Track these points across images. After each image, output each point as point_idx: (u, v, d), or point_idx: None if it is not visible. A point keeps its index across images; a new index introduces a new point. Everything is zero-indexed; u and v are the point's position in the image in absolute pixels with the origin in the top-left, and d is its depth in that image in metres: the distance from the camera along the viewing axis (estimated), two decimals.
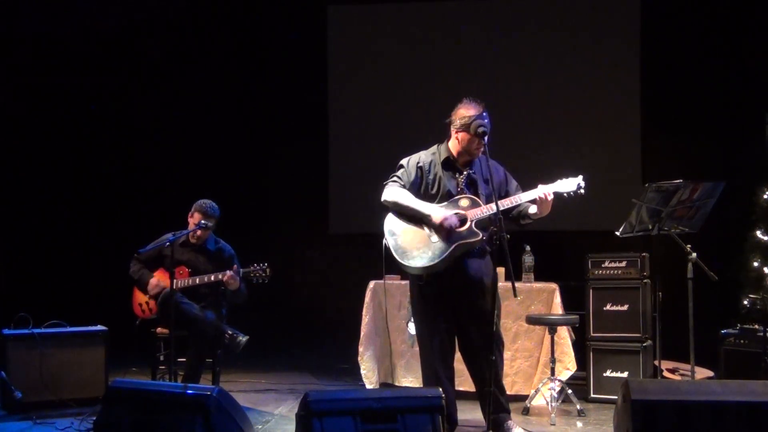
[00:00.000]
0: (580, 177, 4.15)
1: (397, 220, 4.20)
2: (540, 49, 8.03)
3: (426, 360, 4.30)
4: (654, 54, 7.79)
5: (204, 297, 5.18)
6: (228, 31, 8.53)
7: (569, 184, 4.14)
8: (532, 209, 4.20)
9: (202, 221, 5.10)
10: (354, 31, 8.48)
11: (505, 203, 4.14)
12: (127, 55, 8.32)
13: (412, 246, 4.13)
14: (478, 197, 4.16)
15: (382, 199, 4.24)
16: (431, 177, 4.25)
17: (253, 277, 5.09)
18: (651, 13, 7.81)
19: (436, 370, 4.23)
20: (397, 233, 4.18)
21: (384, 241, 4.18)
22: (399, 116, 8.15)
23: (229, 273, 5.03)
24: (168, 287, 5.01)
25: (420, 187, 4.25)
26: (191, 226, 5.16)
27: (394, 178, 4.28)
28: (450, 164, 4.27)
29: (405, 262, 4.11)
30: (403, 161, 4.33)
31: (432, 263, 4.08)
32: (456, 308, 4.23)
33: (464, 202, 4.14)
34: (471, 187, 4.23)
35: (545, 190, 4.10)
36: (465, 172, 4.25)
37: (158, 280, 5.20)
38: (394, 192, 4.21)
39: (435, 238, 4.10)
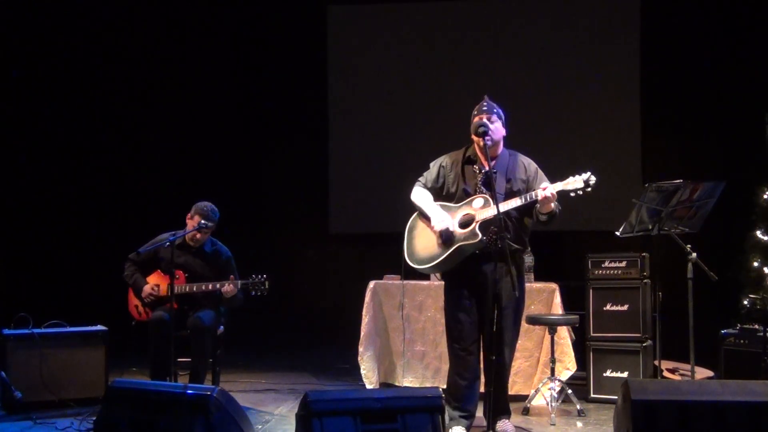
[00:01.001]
0: (588, 173, 4.03)
1: (419, 221, 4.36)
2: (540, 49, 8.03)
3: (451, 360, 4.35)
4: (654, 54, 7.80)
5: (200, 299, 5.16)
6: (228, 31, 8.53)
7: (574, 183, 4.05)
8: (539, 207, 4.13)
9: (203, 221, 5.06)
10: (354, 31, 8.48)
11: (511, 203, 4.12)
12: (126, 55, 8.32)
13: (421, 247, 4.27)
14: (495, 196, 4.10)
15: (411, 198, 4.43)
16: (452, 176, 4.32)
17: (252, 289, 5.04)
18: (651, 13, 7.81)
19: (459, 368, 4.28)
20: (414, 234, 4.35)
21: (403, 242, 4.33)
22: (399, 116, 8.16)
23: (227, 285, 4.99)
24: (163, 298, 5.01)
25: (442, 186, 4.36)
26: (189, 228, 5.12)
27: (420, 178, 4.44)
28: (471, 163, 4.30)
29: (409, 261, 4.28)
30: (431, 163, 4.47)
31: (430, 265, 4.22)
32: (479, 308, 4.25)
33: (478, 202, 4.15)
34: (488, 185, 4.18)
35: (543, 193, 4.03)
36: (483, 171, 4.23)
37: (152, 286, 5.14)
38: (415, 193, 4.41)
39: (441, 240, 4.18)
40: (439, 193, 4.36)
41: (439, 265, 4.22)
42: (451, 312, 4.31)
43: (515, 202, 4.13)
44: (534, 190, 4.21)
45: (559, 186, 4.07)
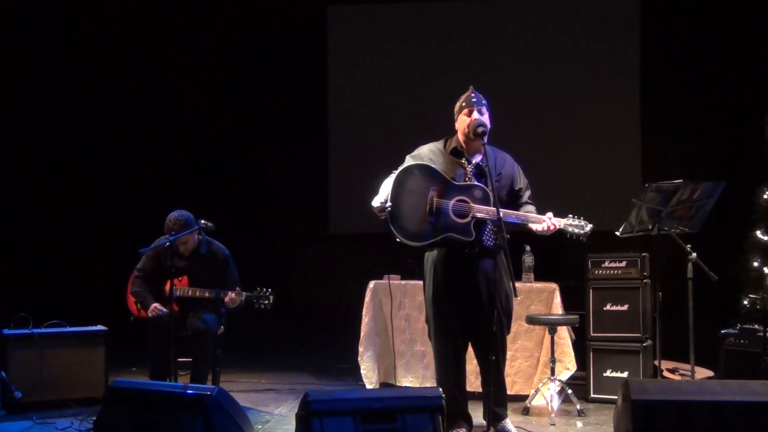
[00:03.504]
0: (590, 226, 4.09)
1: (408, 179, 4.15)
2: (540, 49, 8.04)
3: (439, 359, 4.27)
4: (654, 54, 7.80)
5: (201, 301, 5.14)
6: (228, 31, 8.53)
7: (578, 228, 4.07)
8: (534, 227, 4.12)
9: (171, 236, 4.89)
10: (354, 31, 8.49)
11: (511, 216, 4.08)
12: (126, 54, 8.32)
13: (408, 214, 4.12)
14: (492, 192, 4.06)
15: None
16: (434, 166, 4.20)
17: (256, 302, 5.02)
18: (651, 13, 7.82)
19: (449, 369, 4.22)
20: (401, 192, 4.13)
21: (389, 186, 4.14)
22: (399, 116, 8.16)
23: (231, 295, 4.97)
24: (165, 314, 4.99)
25: None
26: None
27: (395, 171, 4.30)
28: (458, 153, 4.24)
29: (392, 225, 4.10)
30: (408, 155, 4.34)
31: (414, 243, 4.11)
32: (468, 307, 4.19)
33: (477, 193, 4.07)
34: (481, 178, 4.15)
35: (551, 224, 4.04)
36: (474, 162, 4.19)
37: (157, 306, 5.03)
38: (385, 182, 4.24)
39: (432, 218, 4.06)
40: None
41: (423, 245, 4.15)
42: (442, 313, 4.21)
43: (515, 217, 4.10)
44: (520, 188, 4.28)
45: (562, 224, 4.07)
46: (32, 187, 7.99)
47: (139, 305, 5.20)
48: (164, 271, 5.13)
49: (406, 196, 4.13)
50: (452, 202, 4.08)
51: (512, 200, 4.27)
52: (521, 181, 4.31)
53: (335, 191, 8.42)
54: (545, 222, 4.06)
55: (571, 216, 4.11)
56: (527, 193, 4.33)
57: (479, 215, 4.04)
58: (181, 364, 4.90)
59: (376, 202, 4.18)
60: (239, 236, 5.73)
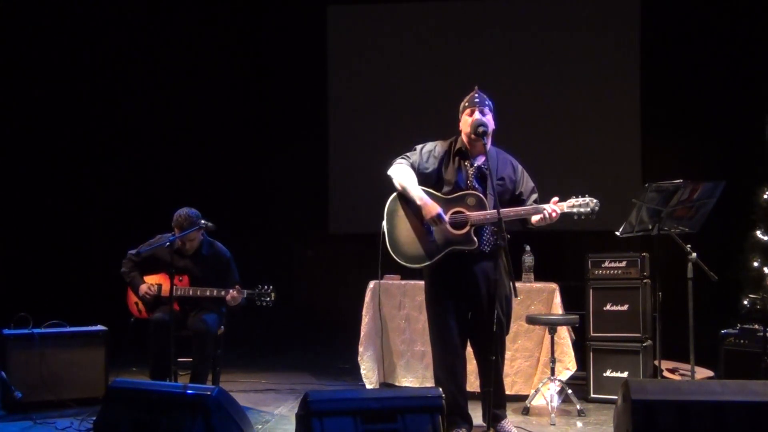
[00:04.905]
0: (596, 201, 4.07)
1: (400, 204, 4.18)
2: (540, 49, 8.04)
3: (439, 359, 4.27)
4: (654, 54, 7.80)
5: (202, 301, 5.14)
6: (228, 31, 8.53)
7: (583, 207, 4.05)
8: (534, 218, 4.13)
9: (180, 232, 4.94)
10: (354, 31, 8.49)
11: (511, 214, 4.07)
12: (126, 55, 8.32)
13: (406, 239, 4.15)
14: (486, 194, 4.08)
15: (388, 172, 4.23)
16: (441, 166, 4.21)
17: (257, 299, 5.02)
18: (651, 13, 7.82)
19: (448, 369, 4.22)
20: (395, 221, 4.18)
21: (383, 225, 4.17)
22: (399, 116, 8.17)
23: (232, 293, 4.97)
24: (163, 298, 5.01)
25: (429, 173, 4.23)
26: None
27: (404, 156, 4.27)
28: (463, 155, 4.23)
29: (394, 254, 4.15)
30: (418, 146, 4.31)
31: (419, 264, 4.15)
32: (467, 308, 4.20)
33: (471, 201, 4.08)
34: (482, 181, 4.15)
35: (550, 211, 4.03)
36: (476, 165, 4.19)
37: (149, 285, 5.11)
38: (401, 170, 4.18)
39: (432, 236, 4.09)
40: (425, 179, 4.21)
41: (433, 263, 4.14)
42: (441, 314, 4.21)
43: (516, 213, 4.10)
44: (522, 191, 4.25)
45: (566, 208, 4.06)
46: (32, 186, 7.98)
47: (138, 303, 5.20)
48: (163, 267, 5.14)
49: (401, 223, 4.17)
50: (448, 216, 4.08)
51: (514, 204, 4.25)
52: (524, 185, 4.28)
53: (335, 191, 8.42)
54: (545, 210, 4.05)
55: (574, 197, 4.09)
56: (533, 197, 4.29)
57: (477, 220, 4.05)
58: (181, 364, 4.89)
59: (411, 188, 4.10)
60: (239, 236, 5.72)
